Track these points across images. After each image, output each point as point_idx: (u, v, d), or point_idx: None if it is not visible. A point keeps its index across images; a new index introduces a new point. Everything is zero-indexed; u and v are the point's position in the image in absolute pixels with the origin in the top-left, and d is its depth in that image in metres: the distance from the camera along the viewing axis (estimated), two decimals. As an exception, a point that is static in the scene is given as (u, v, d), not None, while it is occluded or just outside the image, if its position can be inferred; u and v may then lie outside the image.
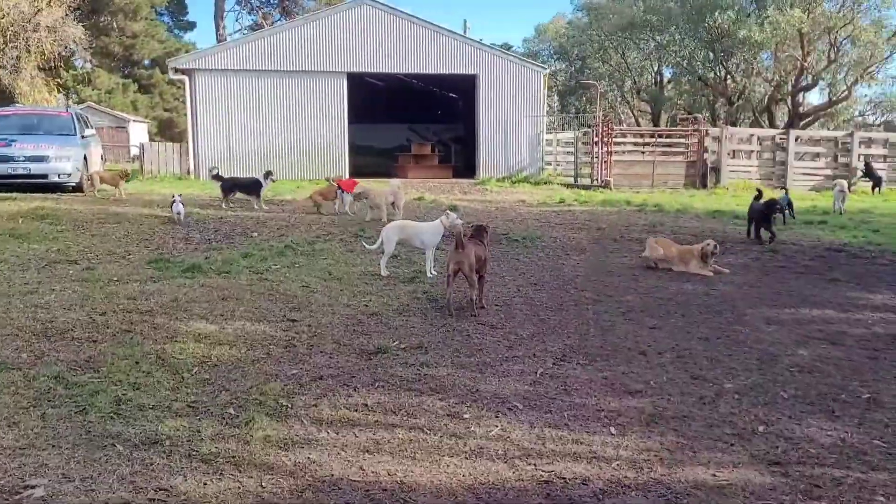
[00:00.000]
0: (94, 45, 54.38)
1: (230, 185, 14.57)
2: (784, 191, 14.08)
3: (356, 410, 4.32)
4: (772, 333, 6.31)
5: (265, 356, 5.23)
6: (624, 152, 23.03)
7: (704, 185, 21.62)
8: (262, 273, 8.12)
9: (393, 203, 13.16)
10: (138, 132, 50.51)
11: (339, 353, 5.36)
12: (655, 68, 56.68)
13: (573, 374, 5.10)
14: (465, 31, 26.21)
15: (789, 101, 46.26)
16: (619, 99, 60.95)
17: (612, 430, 4.17)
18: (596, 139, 21.93)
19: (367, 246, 8.70)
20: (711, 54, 44.56)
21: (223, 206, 14.08)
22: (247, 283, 7.51)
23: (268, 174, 14.50)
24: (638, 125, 54.31)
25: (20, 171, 15.61)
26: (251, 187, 14.38)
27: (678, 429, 4.21)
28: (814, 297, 7.82)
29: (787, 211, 14.16)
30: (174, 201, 11.86)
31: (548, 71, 24.63)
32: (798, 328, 6.50)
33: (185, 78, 22.37)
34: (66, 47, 36.28)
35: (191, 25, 66.49)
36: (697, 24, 42.63)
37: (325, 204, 14.04)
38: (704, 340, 6.04)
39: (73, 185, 16.19)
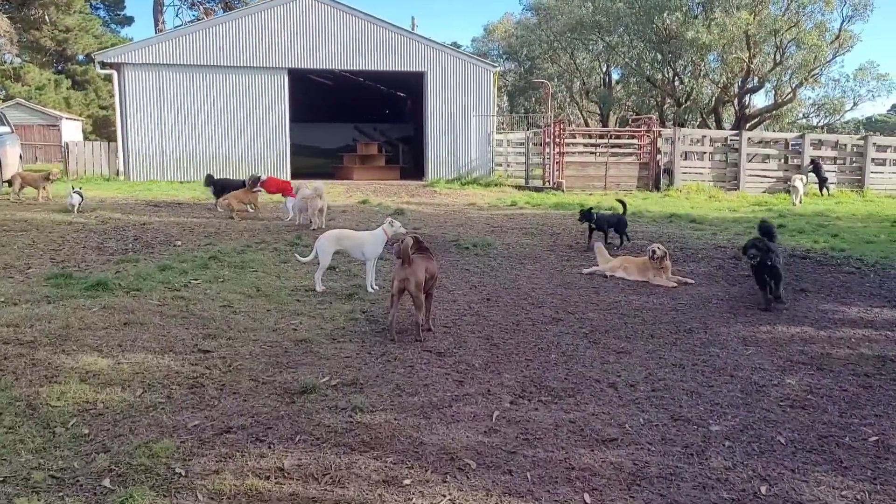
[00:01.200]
0: (23, 38, 51.86)
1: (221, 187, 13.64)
2: (622, 205, 11.93)
3: (268, 478, 3.44)
4: (751, 357, 5.64)
5: (164, 400, 4.30)
6: (576, 153, 22.50)
7: (658, 188, 21.21)
8: (178, 290, 7.13)
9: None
10: (71, 130, 48.13)
11: (255, 394, 4.47)
12: (604, 69, 56.86)
13: (535, 416, 4.31)
14: (412, 29, 25.36)
15: (736, 103, 46.71)
16: (568, 100, 61.00)
17: (587, 497, 3.38)
18: (548, 140, 21.33)
19: (300, 258, 7.79)
20: (660, 55, 44.69)
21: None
22: (158, 303, 6.53)
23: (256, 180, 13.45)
24: (587, 126, 54.25)
25: (-82, 174, 14.19)
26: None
27: (665, 493, 3.45)
28: (787, 312, 7.21)
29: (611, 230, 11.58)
30: (72, 192, 10.95)
31: (498, 69, 23.97)
32: (778, 350, 5.85)
33: (114, 72, 20.99)
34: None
35: (128, 20, 63.96)
36: (646, 26, 42.66)
37: (240, 208, 12.94)
38: (679, 368, 5.33)
39: (-16, 187, 14.79)
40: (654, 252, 8.46)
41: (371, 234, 7.69)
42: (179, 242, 10.02)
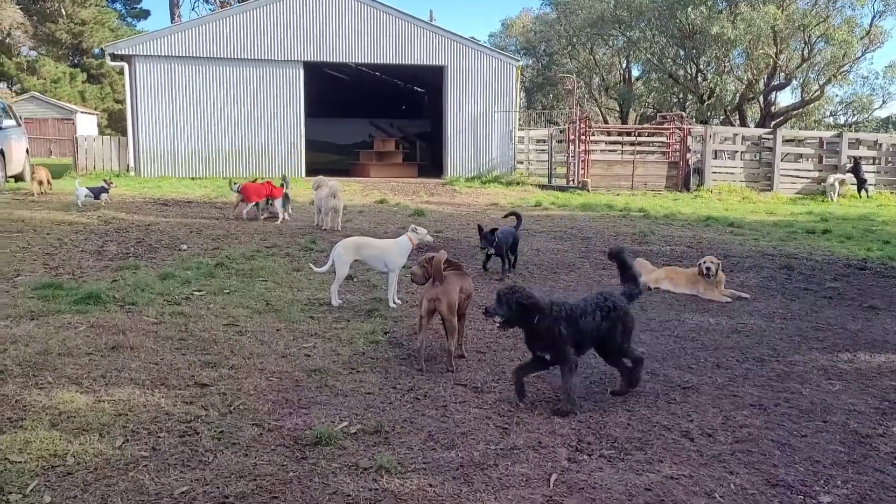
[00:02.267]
0: (38, 31, 51.52)
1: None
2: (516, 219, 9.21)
3: (271, 577, 2.66)
4: (840, 396, 4.80)
5: (149, 454, 3.54)
6: (602, 151, 21.62)
7: (687, 188, 20.30)
8: (178, 303, 6.38)
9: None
10: (86, 124, 47.77)
11: (259, 445, 3.69)
12: (624, 65, 55.83)
13: (601, 480, 3.51)
14: (431, 22, 24.54)
15: (761, 100, 45.53)
16: (586, 96, 60.06)
17: None
18: (572, 137, 20.47)
19: (314, 268, 7.02)
20: (682, 51, 43.64)
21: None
22: (154, 321, 5.77)
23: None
24: (605, 123, 53.25)
25: (-80, 168, 13.58)
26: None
27: None
28: (863, 335, 6.36)
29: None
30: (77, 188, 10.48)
31: (520, 63, 23.12)
32: (869, 385, 5.01)
33: (125, 65, 20.33)
34: (2, 32, 33.61)
35: (144, 14, 63.56)
36: (669, 20, 41.62)
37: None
38: (760, 410, 4.50)
39: (-15, 183, 14.18)
40: (708, 269, 7.61)
41: (394, 242, 6.90)
42: (185, 246, 9.28)
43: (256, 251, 8.97)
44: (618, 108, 57.33)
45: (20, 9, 36.66)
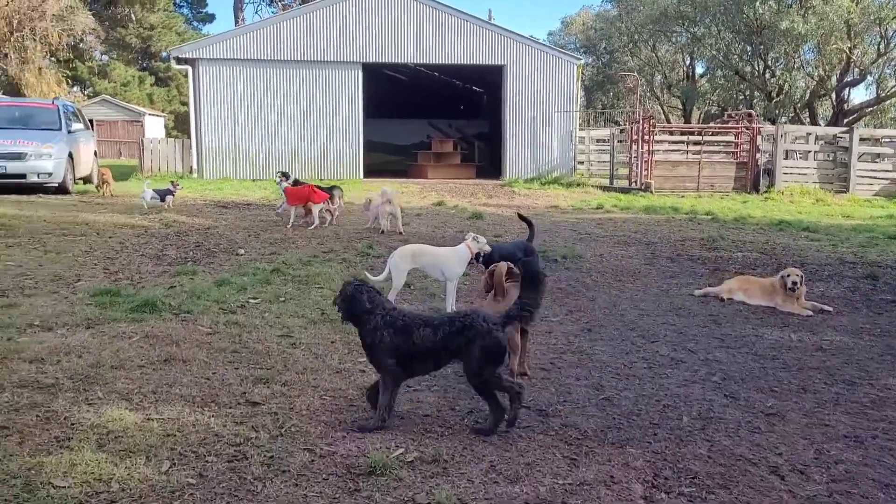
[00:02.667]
0: (109, 36, 53.19)
1: None
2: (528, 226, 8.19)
3: None
4: (946, 427, 4.33)
5: (195, 481, 3.36)
6: (666, 151, 20.96)
7: (757, 190, 19.51)
8: (233, 312, 6.26)
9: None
10: (154, 126, 49.12)
11: (310, 473, 3.48)
12: (687, 62, 54.48)
13: (681, 524, 3.18)
14: (489, 21, 24.23)
15: (833, 97, 43.70)
16: (648, 94, 58.87)
17: None
18: (635, 137, 19.89)
19: (370, 277, 6.82)
20: (749, 47, 42.24)
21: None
22: (208, 331, 5.65)
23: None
24: (668, 122, 51.97)
25: (-6, 171, 13.97)
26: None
27: None
28: (965, 355, 5.82)
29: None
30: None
31: (581, 62, 22.61)
32: (978, 416, 4.52)
33: (189, 68, 20.65)
34: (75, 37, 34.73)
35: (210, 17, 65.11)
36: (735, 16, 40.33)
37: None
38: (856, 443, 4.08)
39: (56, 185, 14.53)
40: (794, 284, 7.12)
41: (453, 250, 6.66)
42: (242, 251, 9.23)
43: (313, 256, 8.85)
44: (681, 107, 56.00)
45: (92, 14, 37.76)
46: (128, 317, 5.91)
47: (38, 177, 14.11)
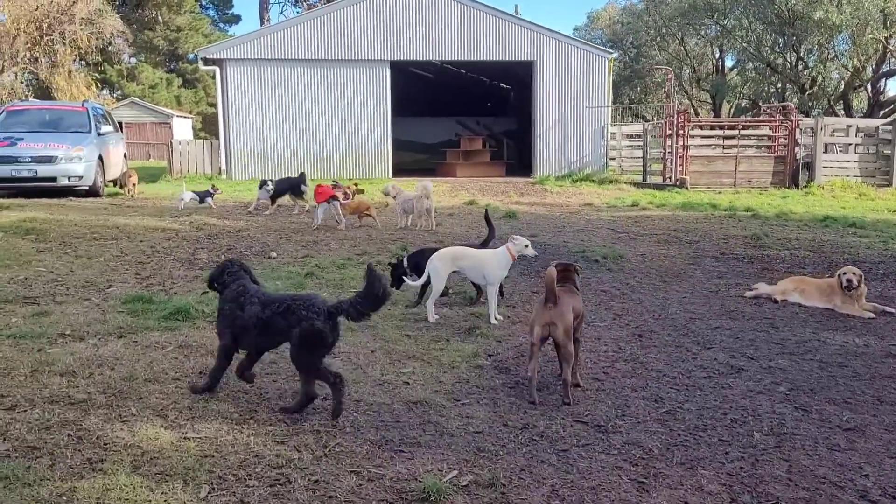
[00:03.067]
0: (137, 39, 53.63)
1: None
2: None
3: None
4: None
5: (236, 507, 3.12)
6: (699, 146, 20.46)
7: (796, 184, 18.96)
8: (269, 319, 6.04)
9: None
10: (182, 128, 49.48)
11: (358, 499, 3.23)
12: (717, 55, 53.65)
13: (770, 559, 2.87)
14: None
15: (869, 88, 42.66)
16: (677, 88, 58.08)
17: None
18: (669, 131, 19.43)
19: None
20: (781, 39, 41.37)
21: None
22: (243, 340, 5.43)
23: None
24: (697, 116, 51.12)
25: (25, 174, 13.98)
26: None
27: None
28: None
29: None
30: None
31: (613, 55, 22.16)
32: None
33: (216, 69, 20.59)
34: (104, 40, 34.96)
35: (236, 19, 65.52)
36: (766, 7, 39.57)
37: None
38: (950, 462, 3.74)
39: (87, 188, 14.49)
40: (849, 282, 6.74)
41: (493, 253, 6.37)
42: (274, 254, 9.03)
43: (347, 259, 8.62)
44: (710, 101, 55.16)
45: (120, 17, 38.02)
46: (161, 325, 5.72)
47: (69, 180, 14.08)
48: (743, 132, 20.72)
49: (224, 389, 4.42)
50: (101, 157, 15.16)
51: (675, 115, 19.09)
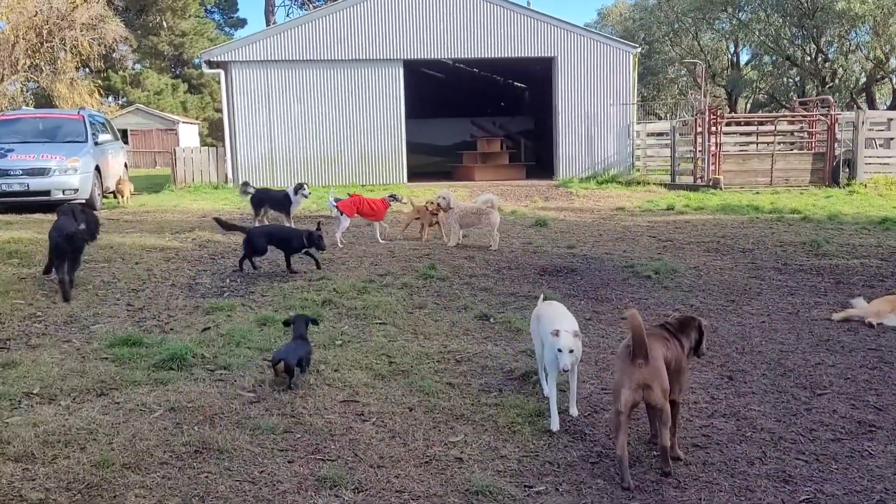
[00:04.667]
0: (141, 44, 52.87)
1: (259, 199, 11.71)
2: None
3: None
4: None
5: None
6: (729, 144, 19.36)
7: (836, 182, 17.81)
8: (281, 366, 5.02)
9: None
10: (188, 134, 48.65)
11: None
12: (732, 50, 52.51)
13: None
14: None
15: (893, 80, 41.37)
16: (691, 84, 57.10)
17: None
18: (699, 129, 18.32)
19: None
20: (801, 31, 40.19)
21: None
22: (251, 397, 4.41)
23: (299, 187, 11.55)
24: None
25: (16, 188, 13.04)
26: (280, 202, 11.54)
27: None
28: None
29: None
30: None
31: (638, 50, 21.03)
32: None
33: (221, 72, 19.61)
34: (106, 46, 34.08)
35: (241, 22, 64.63)
36: (785, -1, 38.50)
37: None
38: None
39: (83, 201, 13.49)
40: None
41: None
42: (284, 276, 8.00)
43: (368, 281, 7.58)
44: (725, 96, 53.98)
45: (123, 23, 37.18)
46: (150, 377, 4.70)
47: (63, 193, 13.11)
48: (778, 129, 19.57)
49: (225, 476, 3.39)
50: (98, 168, 14.19)
51: (707, 112, 17.97)
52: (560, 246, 10.11)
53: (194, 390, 4.49)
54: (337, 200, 10.63)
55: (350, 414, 4.22)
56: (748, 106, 53.45)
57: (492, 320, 6.29)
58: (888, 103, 42.63)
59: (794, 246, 10.24)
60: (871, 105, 40.45)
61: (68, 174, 13.29)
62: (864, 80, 42.22)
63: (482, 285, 7.58)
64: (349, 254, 9.34)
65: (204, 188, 19.04)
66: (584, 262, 8.87)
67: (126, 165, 17.34)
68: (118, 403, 4.28)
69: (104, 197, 15.21)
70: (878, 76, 41.52)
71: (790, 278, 8.24)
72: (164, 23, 54.91)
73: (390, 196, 10.77)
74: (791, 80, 46.05)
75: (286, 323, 5.16)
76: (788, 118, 20.33)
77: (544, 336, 4.14)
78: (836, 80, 41.93)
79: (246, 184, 12.53)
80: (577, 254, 9.50)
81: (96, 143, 14.68)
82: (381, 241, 10.32)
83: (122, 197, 15.39)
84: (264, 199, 11.70)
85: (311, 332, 5.76)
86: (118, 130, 42.05)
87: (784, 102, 46.17)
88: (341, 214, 10.04)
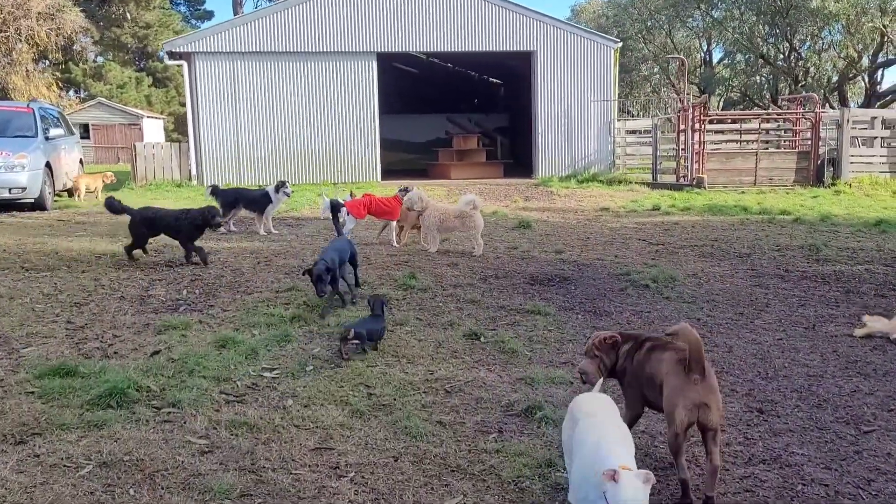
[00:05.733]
0: (104, 36, 51.25)
1: (233, 199, 10.85)
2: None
3: None
4: None
5: None
6: (720, 142, 18.92)
7: (821, 182, 17.43)
8: (241, 399, 4.29)
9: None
10: (153, 129, 47.25)
11: None
12: (705, 47, 52.59)
13: None
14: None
15: (866, 79, 41.51)
16: (664, 82, 57.23)
17: None
18: (682, 126, 17.82)
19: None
20: (776, 29, 40.19)
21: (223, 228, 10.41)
22: (203, 445, 3.67)
23: (280, 185, 10.73)
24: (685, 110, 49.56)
25: (-44, 187, 12.02)
26: (257, 202, 10.69)
27: None
28: None
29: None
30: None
31: (619, 45, 20.50)
32: None
33: (184, 63, 18.65)
34: (65, 37, 32.68)
35: (208, 15, 63.07)
36: (759, -4, 38.49)
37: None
38: None
39: (32, 201, 12.58)
40: None
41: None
42: (248, 286, 7.23)
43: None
44: (698, 94, 53.95)
45: (83, 13, 35.75)
46: (83, 419, 3.93)
47: (10, 192, 12.16)
48: (764, 126, 19.16)
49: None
50: (49, 165, 13.22)
51: (691, 109, 17.47)
52: (548, 251, 9.46)
53: (134, 437, 3.73)
54: (333, 202, 9.72)
55: (323, 467, 3.49)
56: (720, 104, 53.50)
57: (482, 339, 5.59)
58: (859, 102, 42.81)
59: (791, 250, 9.71)
60: (843, 103, 40.57)
61: (15, 171, 12.34)
62: (836, 78, 42.35)
63: (468, 297, 6.88)
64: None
65: (166, 186, 18.09)
66: (576, 270, 8.22)
67: (82, 162, 16.33)
68: (38, 456, 3.51)
69: (57, 196, 14.24)
70: (851, 74, 41.67)
71: (795, 287, 7.67)
72: (128, 14, 53.32)
73: (402, 190, 9.73)
74: (764, 79, 46.16)
75: (368, 302, 5.48)
76: (774, 116, 19.92)
77: (585, 466, 2.75)
78: (809, 79, 42.04)
79: (215, 187, 11.50)
80: (567, 259, 8.85)
81: (48, 139, 13.71)
82: (395, 244, 9.55)
83: (79, 192, 14.63)
84: (238, 198, 10.85)
85: (278, 355, 5.03)
86: (79, 125, 40.57)
87: (757, 101, 46.25)
88: (348, 215, 9.25)
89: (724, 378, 4.88)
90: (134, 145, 19.15)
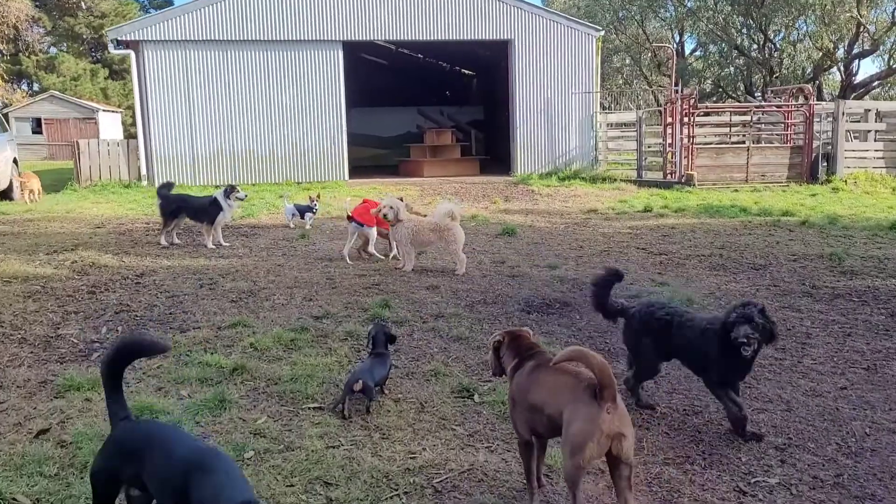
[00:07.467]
0: (57, 26, 48.94)
1: (175, 208, 9.43)
2: None
3: None
4: None
5: None
6: (707, 136, 17.91)
7: (815, 178, 16.50)
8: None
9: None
10: (110, 123, 45.21)
11: None
12: (677, 39, 51.92)
13: None
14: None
15: (842, 70, 41.04)
16: (637, 73, 56.59)
17: None
18: (670, 120, 16.75)
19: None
20: (750, 20, 39.57)
21: (162, 240, 9.05)
22: None
23: (230, 190, 9.39)
24: (657, 103, 49.10)
25: None
26: (204, 211, 9.31)
27: None
28: None
29: None
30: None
31: (601, 33, 19.33)
32: None
33: (131, 52, 17.09)
34: (10, 25, 30.75)
35: (167, 4, 60.73)
36: (733, -15, 37.81)
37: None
38: None
39: (-49, 206, 11.04)
40: None
41: None
42: (185, 320, 5.91)
43: (300, 329, 5.56)
44: (672, 86, 53.22)
45: (33, 1, 33.75)
46: None
47: (-77, 197, 10.67)
48: (765, 120, 18.19)
49: None
50: (-28, 166, 11.72)
51: (680, 101, 16.40)
52: (539, 265, 8.27)
53: None
54: (298, 206, 8.42)
55: None
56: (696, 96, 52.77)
57: (476, 398, 4.38)
58: (834, 94, 42.39)
59: (810, 260, 8.65)
60: (819, 95, 40.08)
61: (-69, 174, 10.82)
62: (811, 69, 41.86)
63: (454, 332, 5.66)
64: (277, 282, 7.27)
65: (112, 187, 16.57)
66: (577, 291, 7.04)
67: (16, 161, 14.77)
68: None
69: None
70: (826, 66, 41.22)
71: (831, 308, 6.59)
72: (82, 3, 51.01)
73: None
74: (737, 70, 45.62)
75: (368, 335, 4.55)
76: (764, 108, 18.94)
77: None
78: (784, 70, 41.50)
79: (166, 185, 9.94)
80: (564, 277, 7.67)
81: (-27, 137, 12.18)
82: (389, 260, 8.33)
83: (28, 194, 14.07)
84: (181, 206, 9.39)
85: (210, 431, 3.77)
86: (31, 119, 38.36)
87: (730, 92, 45.63)
88: (361, 226, 8.00)
89: (799, 457, 3.72)
90: (77, 142, 17.57)
